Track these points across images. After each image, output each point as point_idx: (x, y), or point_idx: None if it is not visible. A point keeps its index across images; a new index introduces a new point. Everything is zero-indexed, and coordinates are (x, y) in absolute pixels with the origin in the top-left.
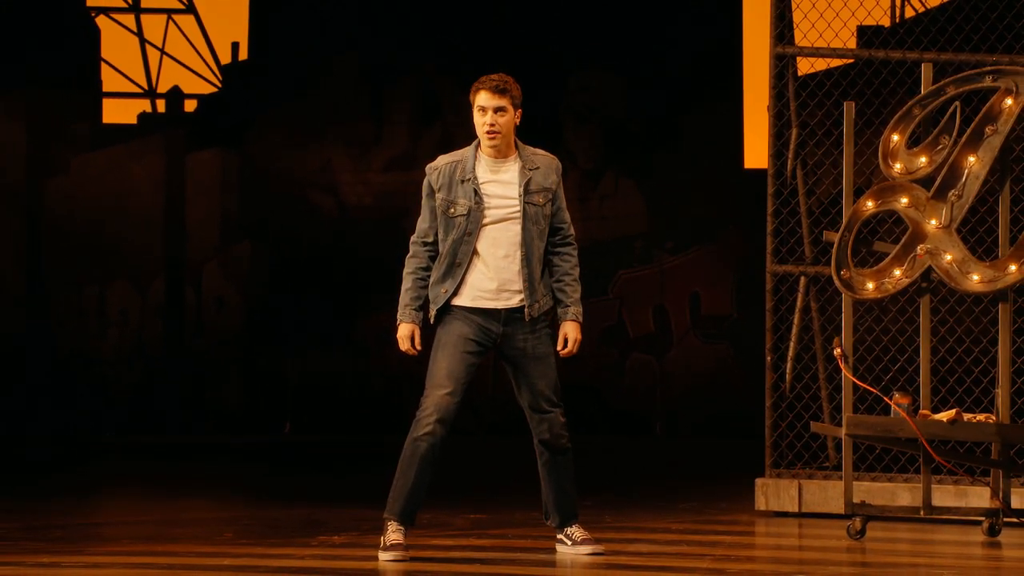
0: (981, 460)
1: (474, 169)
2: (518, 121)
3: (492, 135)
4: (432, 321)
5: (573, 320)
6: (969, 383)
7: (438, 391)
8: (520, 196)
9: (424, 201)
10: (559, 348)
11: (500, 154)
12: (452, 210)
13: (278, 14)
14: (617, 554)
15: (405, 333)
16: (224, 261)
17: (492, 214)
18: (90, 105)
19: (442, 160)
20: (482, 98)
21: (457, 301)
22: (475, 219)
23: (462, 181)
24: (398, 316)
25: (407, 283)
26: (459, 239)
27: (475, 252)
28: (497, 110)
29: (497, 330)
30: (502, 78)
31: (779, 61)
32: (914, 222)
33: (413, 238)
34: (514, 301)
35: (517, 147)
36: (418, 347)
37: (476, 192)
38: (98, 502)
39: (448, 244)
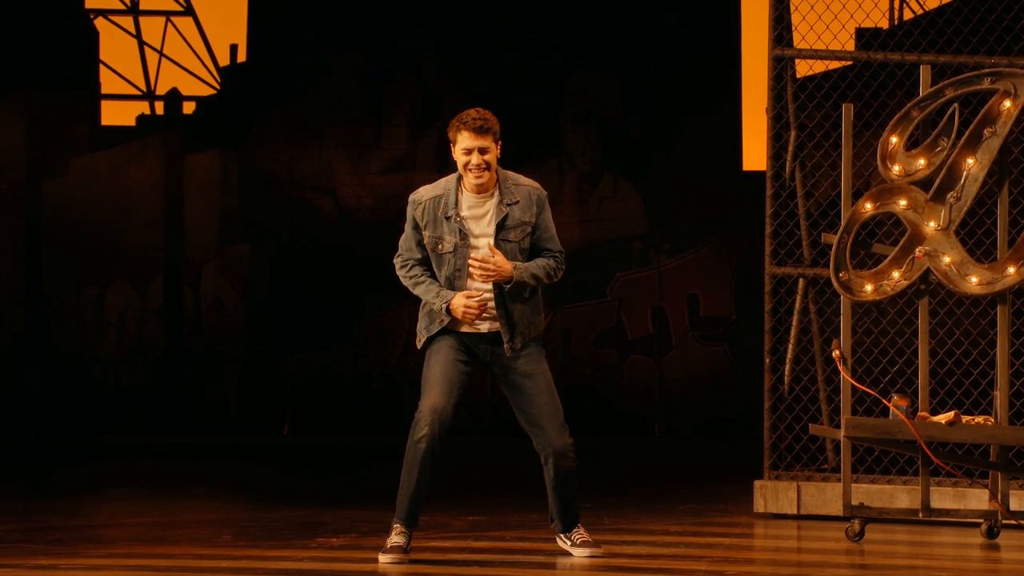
0: (980, 462)
1: (456, 204)
2: (499, 154)
3: (479, 175)
4: (419, 347)
5: (513, 267)
6: (967, 385)
7: (433, 390)
8: (493, 235)
9: (409, 231)
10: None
11: (483, 189)
12: (440, 247)
13: (277, 16)
14: (615, 556)
15: (460, 301)
16: (223, 262)
17: (475, 253)
18: (89, 107)
19: (425, 193)
20: (464, 139)
21: (449, 326)
22: (462, 255)
23: (446, 218)
24: (439, 304)
25: (422, 280)
26: (451, 275)
27: (467, 286)
28: (481, 151)
29: (486, 348)
30: (481, 115)
31: (778, 63)
32: (913, 224)
33: (401, 255)
34: (497, 325)
35: (499, 179)
36: (477, 298)
37: (461, 229)
38: (97, 503)
39: (443, 280)
